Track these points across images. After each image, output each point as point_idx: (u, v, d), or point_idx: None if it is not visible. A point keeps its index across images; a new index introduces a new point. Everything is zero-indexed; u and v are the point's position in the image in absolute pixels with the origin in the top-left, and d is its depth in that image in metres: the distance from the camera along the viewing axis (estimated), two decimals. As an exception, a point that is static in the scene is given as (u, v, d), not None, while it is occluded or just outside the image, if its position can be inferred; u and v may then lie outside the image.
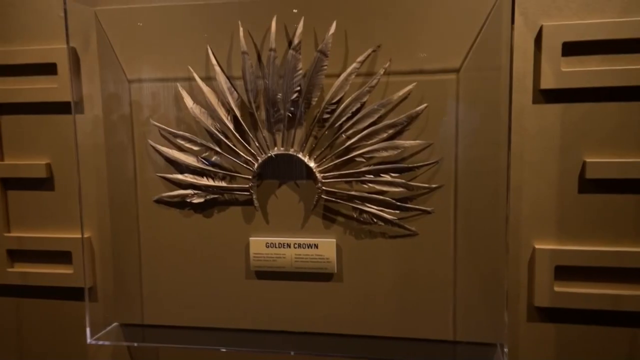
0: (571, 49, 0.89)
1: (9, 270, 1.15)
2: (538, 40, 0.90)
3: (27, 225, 1.14)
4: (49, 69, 1.06)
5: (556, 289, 0.94)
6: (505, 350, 0.90)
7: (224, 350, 1.03)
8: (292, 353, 1.01)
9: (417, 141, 0.93)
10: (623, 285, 0.92)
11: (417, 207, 0.96)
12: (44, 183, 1.12)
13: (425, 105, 0.92)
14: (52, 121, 1.09)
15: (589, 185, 0.91)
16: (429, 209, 0.95)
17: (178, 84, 1.00)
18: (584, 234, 0.93)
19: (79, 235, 1.07)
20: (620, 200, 0.91)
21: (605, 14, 0.88)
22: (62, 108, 1.07)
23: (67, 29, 0.96)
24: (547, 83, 0.90)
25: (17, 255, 1.15)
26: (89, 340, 1.04)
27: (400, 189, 0.95)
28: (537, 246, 0.94)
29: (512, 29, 0.84)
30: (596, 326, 0.94)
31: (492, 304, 0.93)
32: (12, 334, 1.19)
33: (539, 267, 0.94)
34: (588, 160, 0.90)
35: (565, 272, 0.93)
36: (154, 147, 1.03)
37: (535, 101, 0.92)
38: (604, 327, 0.94)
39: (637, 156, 0.89)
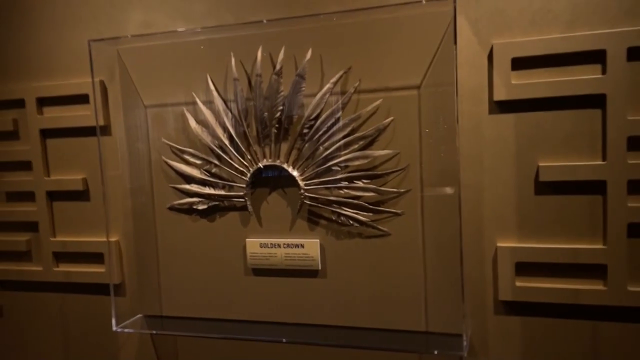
0: (520, 63, 0.98)
1: (55, 269, 1.36)
2: (490, 56, 0.99)
3: (69, 230, 1.35)
4: (82, 99, 1.26)
5: (517, 283, 1.01)
6: (465, 340, 0.99)
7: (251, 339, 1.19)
8: (284, 340, 1.13)
9: (386, 151, 1.05)
10: (579, 280, 0.99)
11: (388, 209, 1.07)
12: (81, 195, 1.32)
13: (391, 118, 1.04)
14: (87, 142, 1.30)
15: (543, 187, 0.99)
16: (398, 211, 1.06)
17: (184, 108, 1.17)
18: (542, 233, 1.00)
19: (110, 239, 1.26)
20: (573, 201, 0.98)
21: (551, 30, 0.96)
22: (95, 131, 1.26)
23: (92, 66, 1.17)
24: (499, 95, 0.99)
25: (61, 256, 1.36)
26: (114, 328, 1.22)
27: (372, 194, 1.06)
28: (499, 244, 1.02)
29: (455, 49, 0.94)
30: (557, 319, 1.01)
31: (458, 298, 1.02)
32: (57, 324, 1.40)
33: (501, 264, 1.02)
34: (541, 164, 0.98)
35: (525, 268, 1.01)
36: (166, 162, 1.21)
37: (491, 112, 1.01)
38: (564, 319, 1.01)
39: (586, 159, 0.96)
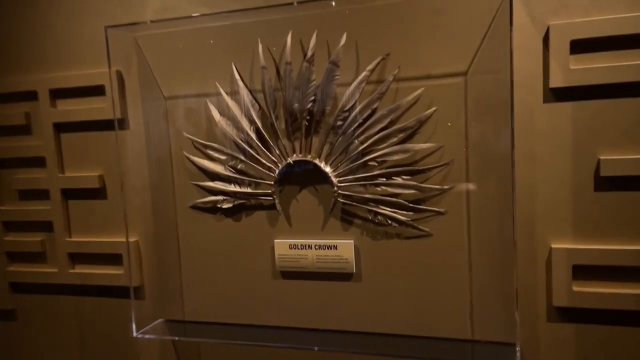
0: (579, 46, 0.88)
1: (70, 271, 1.29)
2: (546, 39, 0.90)
3: (85, 230, 1.28)
4: (98, 90, 1.19)
5: (575, 288, 0.92)
6: (518, 349, 0.90)
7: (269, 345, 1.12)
8: (316, 349, 1.06)
9: (428, 144, 0.97)
10: (644, 284, 0.90)
11: (429, 208, 0.98)
12: (98, 193, 1.25)
13: (434, 109, 0.95)
14: (103, 137, 1.22)
15: (604, 183, 0.90)
16: (441, 209, 0.98)
17: (207, 99, 1.09)
18: (601, 233, 0.91)
19: (129, 240, 1.19)
20: (637, 198, 0.89)
21: (614, 9, 0.87)
22: (111, 125, 1.19)
23: (108, 55, 1.09)
24: (556, 82, 0.90)
25: (77, 257, 1.29)
26: (134, 334, 1.15)
27: (413, 191, 0.98)
28: (553, 246, 0.94)
29: (511, 31, 0.85)
30: (618, 327, 0.92)
31: (508, 304, 0.94)
32: (73, 328, 1.33)
33: (556, 267, 0.93)
34: (602, 157, 0.89)
35: (583, 271, 0.92)
36: (188, 158, 1.13)
37: (545, 100, 0.92)
38: (626, 327, 0.92)
39: (654, 152, 0.87)
